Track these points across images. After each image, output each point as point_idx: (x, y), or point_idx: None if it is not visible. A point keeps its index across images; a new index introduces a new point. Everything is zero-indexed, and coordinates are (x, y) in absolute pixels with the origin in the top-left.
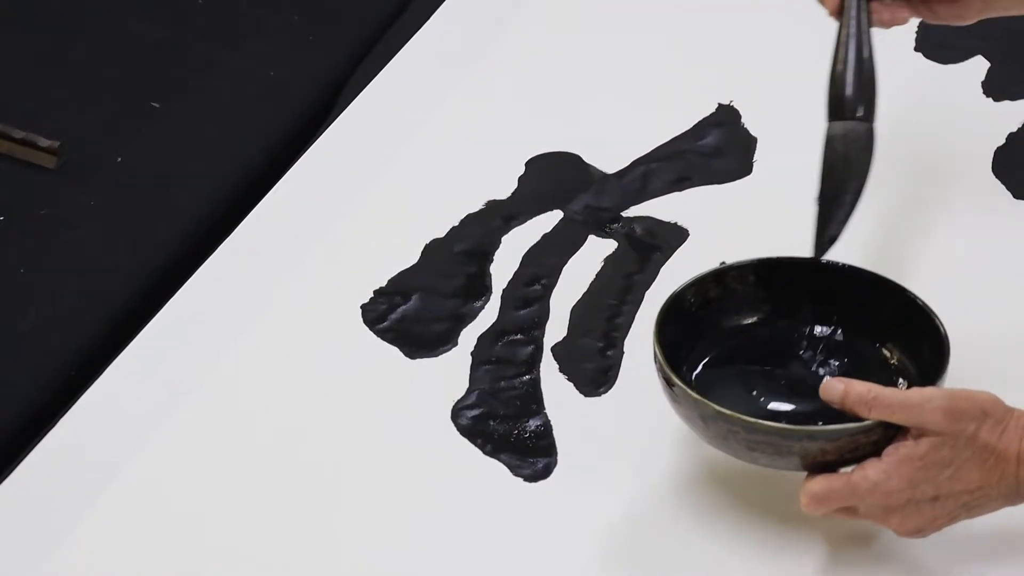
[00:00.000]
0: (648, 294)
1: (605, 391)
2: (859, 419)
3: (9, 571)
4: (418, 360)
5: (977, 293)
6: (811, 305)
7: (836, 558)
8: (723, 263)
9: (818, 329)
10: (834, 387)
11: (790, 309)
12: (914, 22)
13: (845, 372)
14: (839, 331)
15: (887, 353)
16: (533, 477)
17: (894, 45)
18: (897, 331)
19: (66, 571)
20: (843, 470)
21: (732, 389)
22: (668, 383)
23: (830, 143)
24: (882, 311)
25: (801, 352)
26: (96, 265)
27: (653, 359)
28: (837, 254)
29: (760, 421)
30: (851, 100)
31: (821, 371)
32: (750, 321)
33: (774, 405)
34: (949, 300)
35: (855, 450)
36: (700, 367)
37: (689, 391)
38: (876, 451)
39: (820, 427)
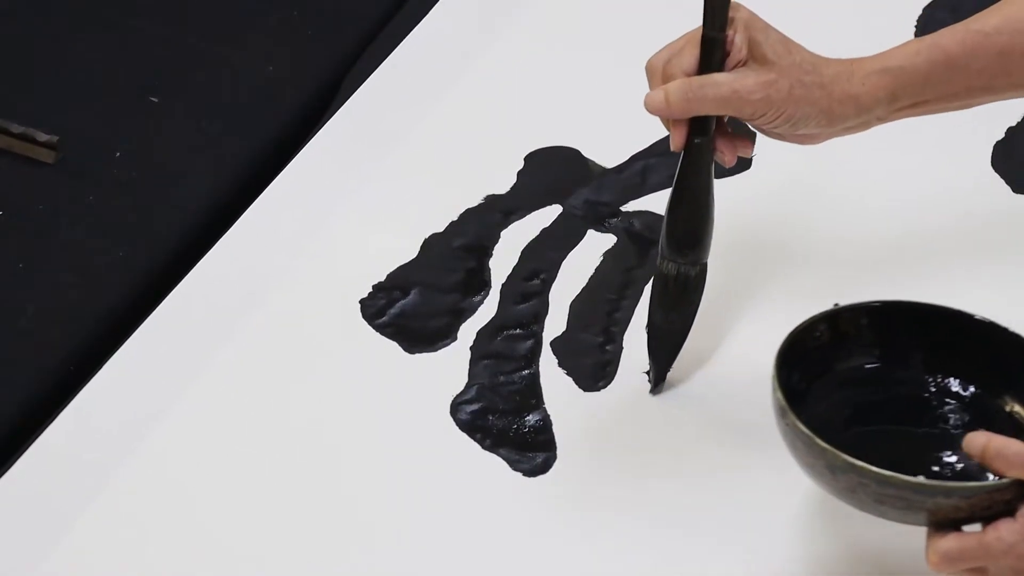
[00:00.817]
0: (647, 289)
1: (604, 386)
2: (987, 476)
3: (7, 567)
4: (417, 355)
5: (976, 287)
6: (925, 352)
7: None
8: (836, 304)
9: (935, 378)
10: (976, 439)
11: (903, 355)
12: (915, 14)
13: (966, 425)
14: (956, 380)
15: (1010, 407)
16: (532, 472)
17: (895, 40)
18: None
19: (65, 567)
20: (966, 528)
21: (844, 438)
22: (793, 430)
23: (663, 280)
24: (1004, 362)
25: (916, 402)
26: (95, 260)
27: (774, 405)
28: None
29: (894, 475)
30: (687, 244)
31: (938, 422)
32: (861, 366)
33: (886, 457)
34: (947, 294)
35: (988, 508)
36: (812, 413)
37: (817, 439)
38: (1008, 510)
39: (957, 484)
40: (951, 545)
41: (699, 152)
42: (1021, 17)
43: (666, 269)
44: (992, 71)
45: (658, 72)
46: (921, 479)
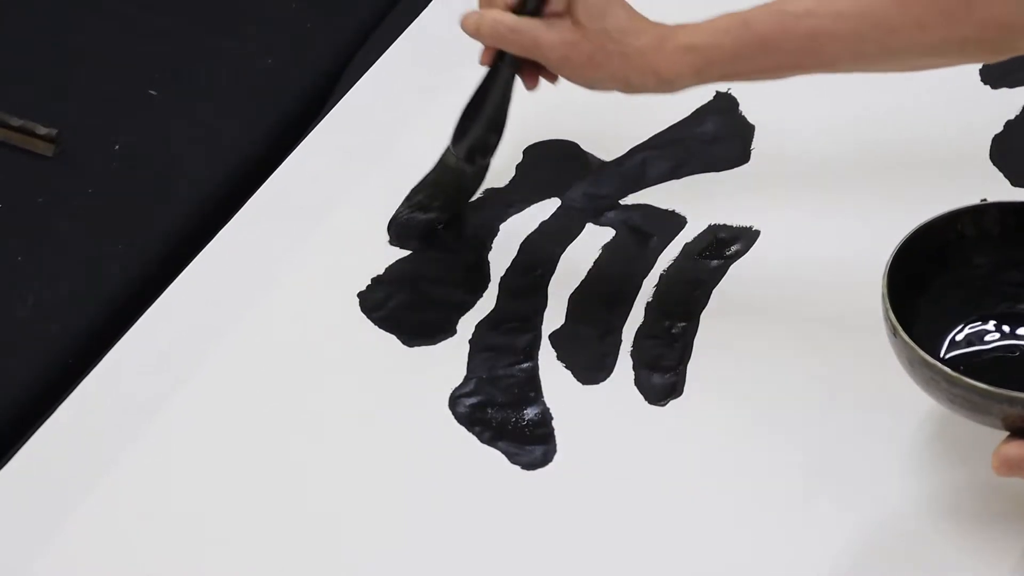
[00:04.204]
0: (646, 282)
1: (603, 379)
2: None
3: (6, 559)
4: (416, 348)
5: None
6: None
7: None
8: (984, 200)
9: None
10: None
11: None
12: None
13: None
14: None
15: None
16: (531, 465)
17: None
18: None
19: (63, 559)
20: None
21: (968, 335)
22: (886, 318)
23: (443, 168)
24: None
25: None
26: (94, 253)
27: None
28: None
29: (960, 377)
30: (473, 149)
31: None
32: (1000, 264)
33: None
34: None
35: None
36: (941, 305)
37: (900, 330)
38: None
39: (1020, 393)
40: (1014, 452)
41: (503, 73)
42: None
43: (447, 160)
44: (800, 51)
45: None
46: (984, 385)
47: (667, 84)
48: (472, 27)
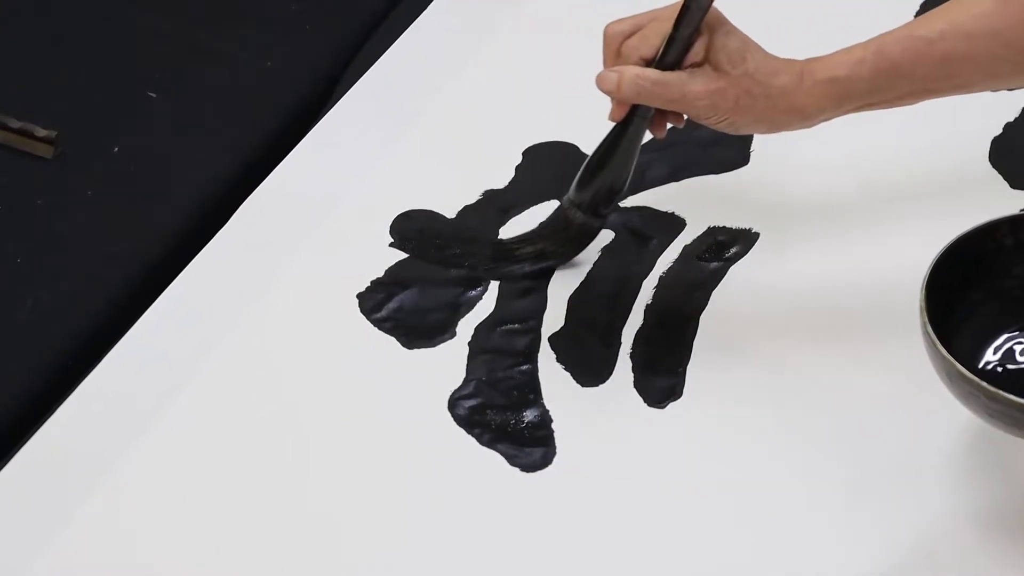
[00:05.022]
0: (646, 284)
1: (602, 381)
2: None
3: (6, 560)
4: (415, 350)
5: None
6: None
7: None
8: (1023, 210)
9: None
10: None
11: None
12: (911, 13)
13: None
14: None
15: None
16: (530, 467)
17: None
18: None
19: (63, 560)
20: None
21: (1007, 347)
22: (924, 330)
23: (565, 223)
24: None
25: None
26: (94, 255)
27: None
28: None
29: (1000, 392)
30: (602, 203)
31: None
32: None
33: None
34: None
35: None
36: (979, 316)
37: (938, 344)
38: None
39: None
40: None
41: (635, 126)
42: (965, 21)
43: (573, 216)
44: (935, 76)
45: (614, 46)
46: (1020, 399)
47: (808, 120)
48: (612, 85)
